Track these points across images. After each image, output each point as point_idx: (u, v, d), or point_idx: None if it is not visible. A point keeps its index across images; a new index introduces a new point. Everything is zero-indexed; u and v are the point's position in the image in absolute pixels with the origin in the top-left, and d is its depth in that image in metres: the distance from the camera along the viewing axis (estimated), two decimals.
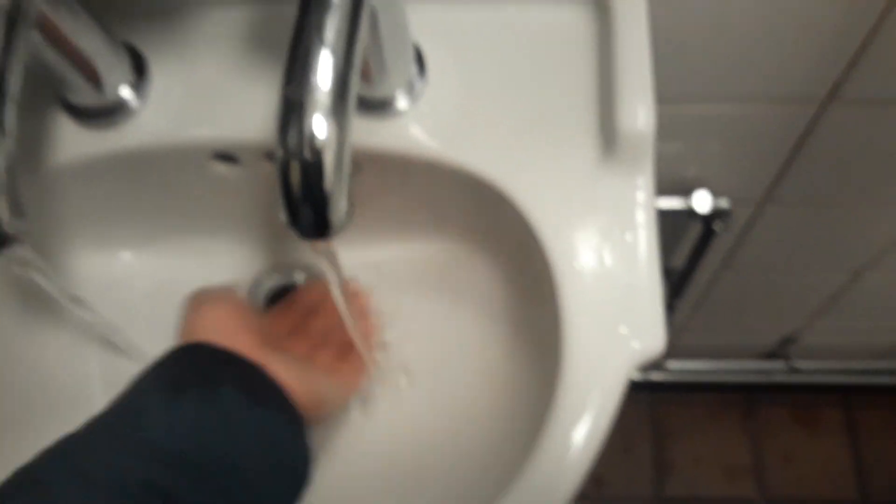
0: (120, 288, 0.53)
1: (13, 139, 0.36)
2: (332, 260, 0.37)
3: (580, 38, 0.46)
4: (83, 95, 0.46)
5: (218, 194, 0.50)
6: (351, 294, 0.50)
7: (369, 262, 0.51)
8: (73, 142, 0.47)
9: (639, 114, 0.42)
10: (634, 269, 0.42)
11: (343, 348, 0.49)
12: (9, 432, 0.48)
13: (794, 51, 0.55)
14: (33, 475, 0.33)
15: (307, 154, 0.33)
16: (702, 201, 0.66)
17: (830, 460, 1.24)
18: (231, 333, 0.40)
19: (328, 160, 0.34)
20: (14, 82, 0.37)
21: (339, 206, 0.35)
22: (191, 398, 0.35)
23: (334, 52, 0.34)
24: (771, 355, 1.12)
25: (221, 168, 0.49)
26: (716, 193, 0.67)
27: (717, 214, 0.68)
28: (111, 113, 0.47)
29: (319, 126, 0.33)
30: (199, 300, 0.44)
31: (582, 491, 0.39)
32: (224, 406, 0.35)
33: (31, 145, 0.47)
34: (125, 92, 0.47)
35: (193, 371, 0.37)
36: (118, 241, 0.53)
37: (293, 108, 0.33)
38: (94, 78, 0.45)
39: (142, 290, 0.54)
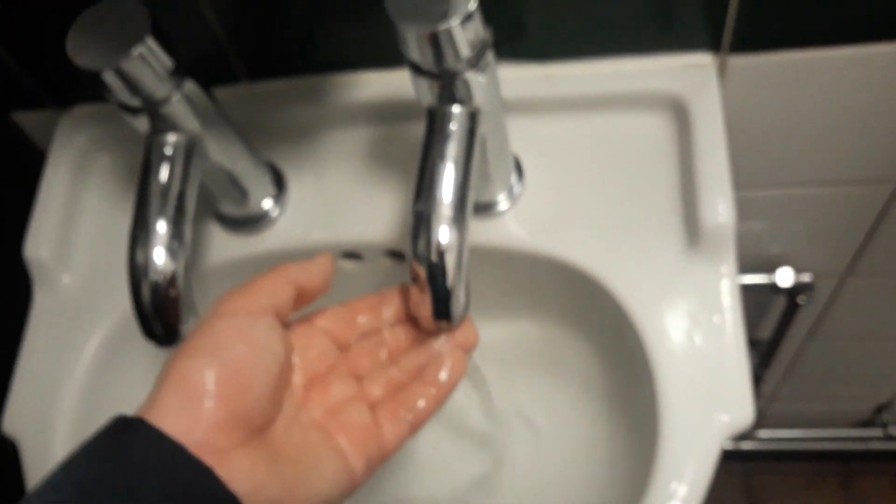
0: None
1: (191, 250, 0.44)
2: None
3: (661, 140, 0.52)
4: (233, 207, 0.54)
5: (344, 286, 0.57)
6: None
7: None
8: (223, 246, 0.55)
9: (719, 208, 0.47)
10: (722, 349, 0.46)
11: (392, 393, 0.39)
12: None
13: (867, 138, 0.59)
14: None
15: (434, 258, 0.40)
16: (785, 277, 0.70)
17: None
18: (210, 400, 0.31)
19: (450, 262, 0.40)
20: (191, 205, 0.45)
21: (458, 299, 0.41)
22: None
23: (456, 171, 0.41)
24: (866, 423, 1.11)
25: (347, 264, 0.56)
26: (799, 268, 0.71)
27: (800, 289, 0.71)
28: (256, 222, 0.55)
29: (443, 234, 0.40)
30: (213, 330, 0.34)
31: None
32: None
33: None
34: (267, 203, 0.55)
35: (112, 478, 0.28)
36: None
37: (422, 220, 0.40)
38: (244, 194, 0.53)
39: None
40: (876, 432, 1.09)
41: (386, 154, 0.56)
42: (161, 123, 0.44)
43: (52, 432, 0.51)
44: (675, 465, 0.43)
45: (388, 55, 0.55)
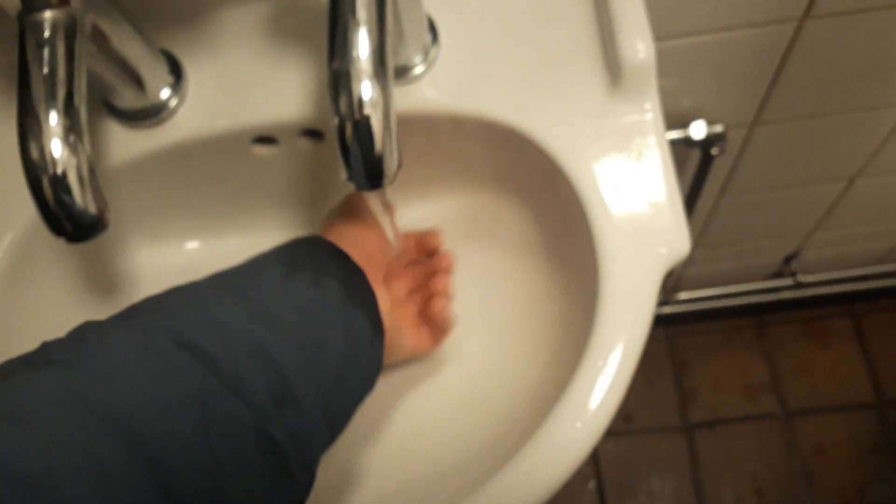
0: (185, 276, 0.57)
1: (89, 138, 0.40)
2: (387, 209, 0.41)
3: None
4: (128, 100, 0.50)
5: (261, 174, 0.54)
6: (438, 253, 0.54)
7: (404, 220, 0.56)
8: (121, 143, 0.51)
9: (639, 46, 0.46)
10: (653, 184, 0.46)
11: (425, 308, 0.52)
12: None
13: None
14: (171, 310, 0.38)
15: (357, 115, 0.38)
16: (698, 129, 0.71)
17: (844, 368, 1.29)
18: (359, 245, 0.46)
19: (376, 119, 0.38)
20: (82, 87, 0.41)
21: (389, 159, 0.39)
22: (303, 278, 0.41)
23: (368, 27, 0.38)
24: (776, 275, 1.17)
25: (262, 150, 0.53)
26: (710, 121, 0.72)
27: (713, 140, 0.72)
28: (155, 113, 0.51)
29: (366, 90, 0.38)
30: (349, 212, 0.48)
31: (612, 428, 0.43)
32: (328, 294, 0.41)
33: None
34: (165, 93, 0.51)
35: (311, 258, 0.43)
36: (175, 232, 0.57)
37: (341, 78, 0.38)
38: (138, 83, 0.49)
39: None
40: (786, 282, 1.15)
41: (285, 27, 0.52)
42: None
43: None
44: (621, 298, 0.44)
45: None
